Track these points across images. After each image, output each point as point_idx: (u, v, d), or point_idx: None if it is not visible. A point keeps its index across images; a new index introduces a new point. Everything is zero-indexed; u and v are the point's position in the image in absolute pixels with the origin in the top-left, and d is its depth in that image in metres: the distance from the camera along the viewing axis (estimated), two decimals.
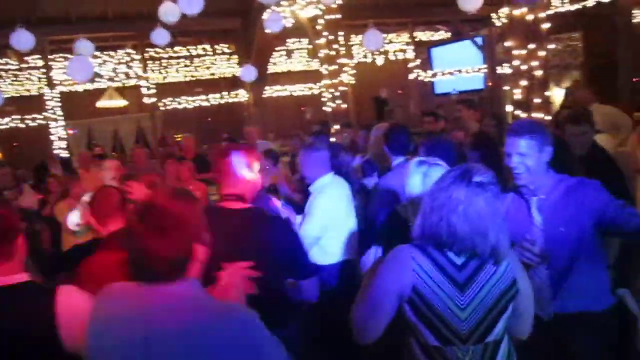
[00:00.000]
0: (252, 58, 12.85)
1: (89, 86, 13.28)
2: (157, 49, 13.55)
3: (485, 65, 13.08)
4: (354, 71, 10.87)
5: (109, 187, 2.97)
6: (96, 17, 11.95)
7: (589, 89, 6.60)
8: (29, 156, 11.15)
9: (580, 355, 2.45)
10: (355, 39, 13.12)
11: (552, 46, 8.98)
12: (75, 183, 4.74)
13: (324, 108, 10.23)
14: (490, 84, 12.82)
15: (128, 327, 1.42)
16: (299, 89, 15.54)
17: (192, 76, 14.98)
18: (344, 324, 2.01)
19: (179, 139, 11.28)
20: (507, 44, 7.01)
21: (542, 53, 6.69)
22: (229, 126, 12.73)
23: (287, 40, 14.52)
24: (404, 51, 15.86)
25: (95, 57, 11.58)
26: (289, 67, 15.62)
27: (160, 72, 14.64)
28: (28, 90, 13.56)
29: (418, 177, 2.37)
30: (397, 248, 1.90)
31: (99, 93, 13.49)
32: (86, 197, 3.48)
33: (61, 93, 12.59)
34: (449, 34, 15.61)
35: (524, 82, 6.76)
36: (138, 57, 13.92)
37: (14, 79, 13.53)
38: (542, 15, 6.69)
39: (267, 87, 14.49)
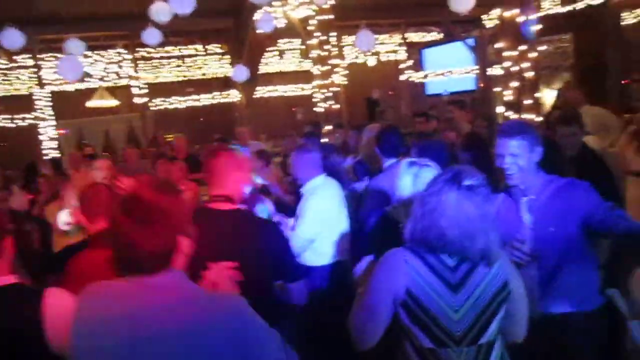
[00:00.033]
0: (244, 58, 12.82)
1: (80, 86, 13.17)
2: (149, 49, 13.46)
3: (477, 67, 13.13)
4: (346, 72, 10.87)
5: (98, 184, 2.94)
6: (87, 16, 11.85)
7: (579, 90, 6.65)
8: (18, 156, 11.05)
9: (570, 355, 2.47)
10: (347, 39, 13.12)
11: (542, 48, 9.04)
12: (66, 184, 4.70)
13: (315, 109, 10.23)
14: (482, 85, 12.87)
15: (113, 325, 1.40)
16: (291, 90, 15.51)
17: (184, 76, 14.90)
18: (335, 325, 2.01)
19: (171, 139, 11.23)
20: (498, 45, 7.04)
21: (532, 55, 6.73)
22: (221, 126, 12.69)
23: (279, 40, 14.49)
24: (395, 52, 15.88)
25: (86, 56, 11.50)
26: (281, 68, 15.58)
27: (152, 72, 14.57)
28: (18, 90, 13.44)
29: (408, 178, 2.37)
30: (390, 252, 1.90)
31: (89, 93, 13.39)
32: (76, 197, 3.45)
33: (51, 92, 12.50)
34: (440, 35, 15.65)
35: (514, 84, 6.80)
36: (129, 56, 13.83)
37: (4, 78, 13.39)
38: (532, 17, 6.73)
39: (258, 88, 14.45)
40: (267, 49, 13.84)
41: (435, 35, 15.95)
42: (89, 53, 12.56)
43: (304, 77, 13.79)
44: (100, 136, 14.29)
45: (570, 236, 2.40)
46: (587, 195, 2.42)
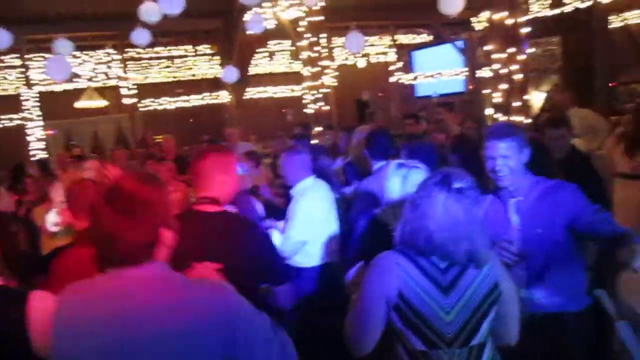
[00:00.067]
0: (234, 59, 12.79)
1: (68, 86, 13.06)
2: (138, 49, 13.37)
3: (466, 69, 13.20)
4: (336, 73, 10.88)
5: (85, 181, 2.90)
6: (75, 16, 11.76)
7: (568, 92, 6.70)
8: (5, 157, 10.93)
9: (557, 356, 2.48)
10: (337, 41, 13.13)
11: (531, 50, 9.09)
12: (54, 184, 4.66)
13: (305, 110, 10.22)
14: (471, 87, 12.93)
15: (95, 325, 1.38)
16: (281, 91, 15.50)
17: (173, 77, 14.83)
18: (324, 326, 2.00)
19: (160, 140, 11.17)
20: (487, 47, 7.07)
21: (521, 57, 6.77)
22: (210, 127, 12.63)
23: (269, 41, 14.48)
24: (385, 54, 15.92)
25: (74, 56, 11.42)
26: (271, 69, 15.56)
27: (141, 73, 14.49)
28: (5, 90, 13.30)
29: (397, 180, 2.38)
30: (381, 255, 1.90)
31: (78, 93, 13.29)
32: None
33: (39, 93, 12.39)
34: (430, 38, 15.71)
35: (503, 86, 6.82)
36: (118, 57, 13.74)
37: None
38: (521, 19, 6.77)
39: (248, 89, 14.43)
40: (257, 50, 13.82)
41: (424, 38, 16.02)
42: (78, 53, 12.48)
43: (294, 78, 13.77)
44: (89, 137, 14.18)
45: (558, 237, 2.42)
46: (575, 197, 2.43)
